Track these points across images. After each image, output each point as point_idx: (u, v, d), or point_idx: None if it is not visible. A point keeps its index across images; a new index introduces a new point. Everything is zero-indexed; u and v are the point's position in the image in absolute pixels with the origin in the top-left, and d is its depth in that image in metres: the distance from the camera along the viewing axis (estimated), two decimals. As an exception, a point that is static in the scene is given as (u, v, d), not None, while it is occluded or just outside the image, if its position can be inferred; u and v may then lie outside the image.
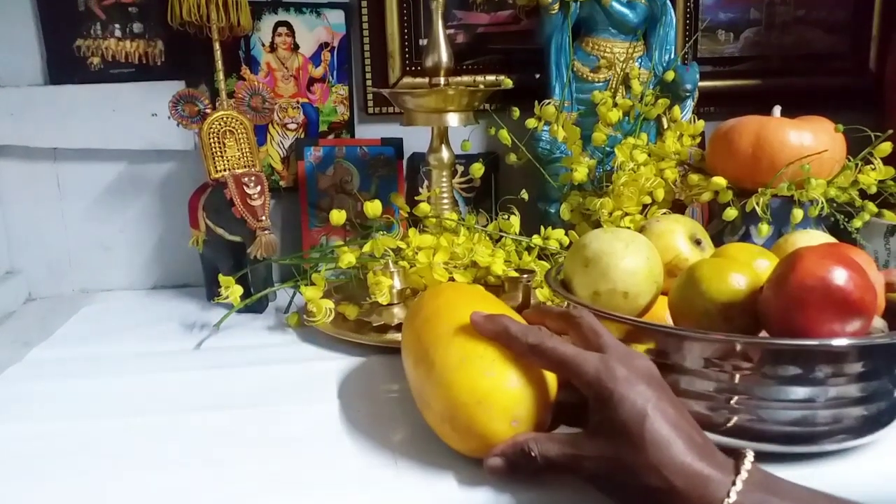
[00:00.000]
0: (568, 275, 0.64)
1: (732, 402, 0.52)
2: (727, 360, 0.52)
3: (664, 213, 0.77)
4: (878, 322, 0.54)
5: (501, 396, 0.49)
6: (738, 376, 0.52)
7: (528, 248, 0.89)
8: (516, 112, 0.96)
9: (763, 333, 0.55)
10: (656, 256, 0.63)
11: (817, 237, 0.67)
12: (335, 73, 1.04)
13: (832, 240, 0.67)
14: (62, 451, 0.58)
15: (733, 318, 0.56)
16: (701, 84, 1.00)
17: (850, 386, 0.51)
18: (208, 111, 0.90)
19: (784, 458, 0.52)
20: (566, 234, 0.89)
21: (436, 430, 0.54)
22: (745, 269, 0.58)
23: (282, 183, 1.06)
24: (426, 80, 0.94)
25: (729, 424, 0.52)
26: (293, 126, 1.05)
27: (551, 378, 0.53)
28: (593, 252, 0.62)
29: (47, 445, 0.59)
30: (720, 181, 0.83)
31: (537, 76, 1.05)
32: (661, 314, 0.63)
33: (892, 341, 0.50)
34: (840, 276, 0.49)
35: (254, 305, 0.90)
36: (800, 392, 0.51)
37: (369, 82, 1.04)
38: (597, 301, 0.61)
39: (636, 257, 0.61)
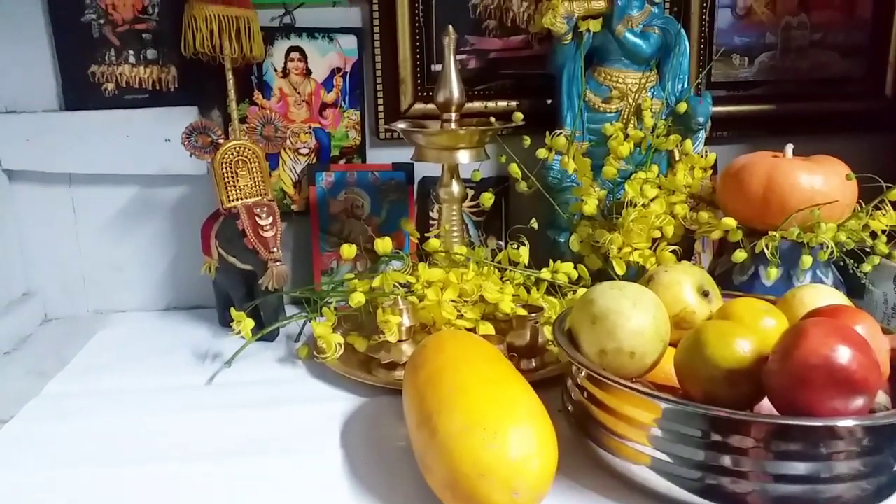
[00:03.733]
0: (575, 328, 0.65)
1: (735, 473, 0.52)
2: (730, 433, 0.52)
3: (671, 265, 0.76)
4: (882, 397, 0.54)
5: (503, 469, 0.50)
6: (740, 449, 0.52)
7: (537, 282, 0.90)
8: (527, 140, 0.96)
9: (767, 403, 0.55)
10: (663, 314, 0.63)
11: (825, 294, 0.66)
12: (347, 98, 1.04)
13: (840, 296, 0.67)
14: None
15: (738, 384, 0.56)
16: (715, 109, 1.00)
17: (852, 461, 0.51)
18: (221, 141, 0.91)
19: (785, 529, 0.52)
20: (575, 267, 0.90)
21: (437, 494, 0.54)
22: (751, 334, 0.58)
23: (293, 207, 1.07)
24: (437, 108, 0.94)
25: (731, 494, 0.53)
26: (305, 151, 1.05)
27: (552, 445, 0.54)
28: (600, 309, 0.62)
29: (56, 496, 0.60)
30: (730, 222, 0.83)
31: (549, 102, 1.04)
32: (668, 369, 0.63)
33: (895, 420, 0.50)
34: (844, 356, 0.50)
35: (265, 335, 0.91)
36: (802, 467, 0.51)
37: (381, 108, 1.05)
38: (603, 359, 0.61)
39: (643, 316, 0.61)
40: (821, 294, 0.66)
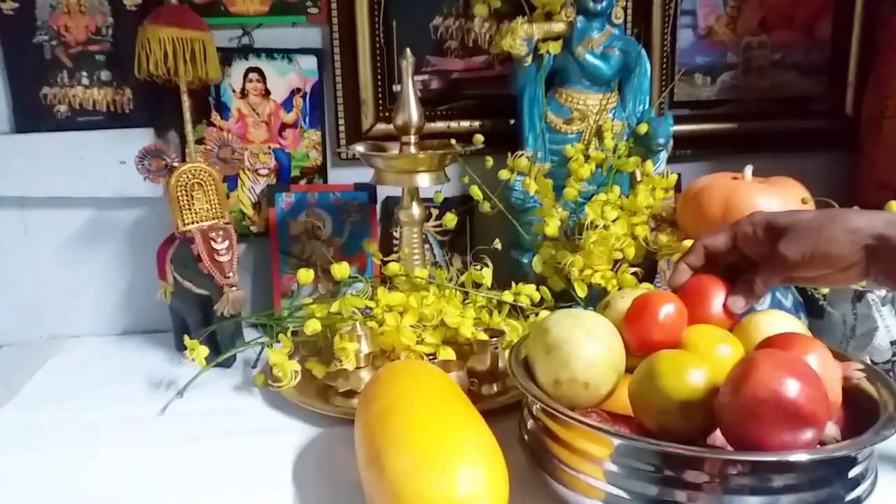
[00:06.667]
0: (530, 357, 0.64)
1: (687, 507, 0.52)
2: (682, 468, 0.51)
3: (628, 290, 0.76)
4: (831, 429, 0.54)
5: (452, 509, 0.49)
6: (693, 483, 0.51)
7: (500, 304, 0.89)
8: (490, 161, 0.95)
9: (719, 435, 0.54)
10: (618, 343, 0.62)
11: (781, 320, 0.66)
12: (307, 118, 1.03)
13: (796, 322, 0.67)
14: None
15: (691, 416, 0.55)
16: (677, 128, 1.00)
17: (804, 494, 0.51)
18: (175, 164, 0.89)
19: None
20: (538, 289, 0.89)
21: (387, 534, 0.53)
22: (705, 363, 0.57)
23: (253, 228, 1.05)
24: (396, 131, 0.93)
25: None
26: (265, 171, 1.04)
27: (502, 483, 0.53)
28: (554, 339, 0.61)
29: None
30: (690, 244, 0.82)
31: (511, 122, 1.04)
32: (625, 397, 0.62)
33: (846, 453, 0.50)
34: (792, 389, 0.49)
35: (221, 361, 0.89)
36: (755, 501, 0.50)
37: (342, 128, 1.03)
38: (558, 389, 0.60)
39: (597, 346, 0.60)
40: (777, 320, 0.66)
